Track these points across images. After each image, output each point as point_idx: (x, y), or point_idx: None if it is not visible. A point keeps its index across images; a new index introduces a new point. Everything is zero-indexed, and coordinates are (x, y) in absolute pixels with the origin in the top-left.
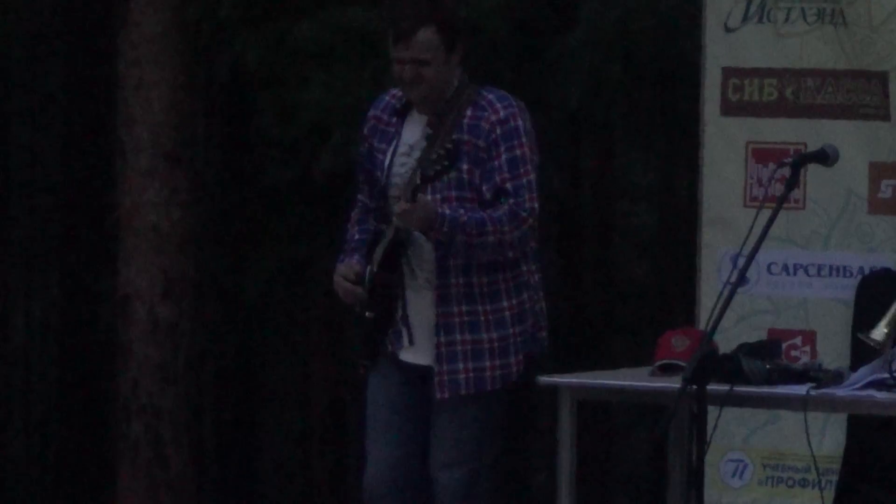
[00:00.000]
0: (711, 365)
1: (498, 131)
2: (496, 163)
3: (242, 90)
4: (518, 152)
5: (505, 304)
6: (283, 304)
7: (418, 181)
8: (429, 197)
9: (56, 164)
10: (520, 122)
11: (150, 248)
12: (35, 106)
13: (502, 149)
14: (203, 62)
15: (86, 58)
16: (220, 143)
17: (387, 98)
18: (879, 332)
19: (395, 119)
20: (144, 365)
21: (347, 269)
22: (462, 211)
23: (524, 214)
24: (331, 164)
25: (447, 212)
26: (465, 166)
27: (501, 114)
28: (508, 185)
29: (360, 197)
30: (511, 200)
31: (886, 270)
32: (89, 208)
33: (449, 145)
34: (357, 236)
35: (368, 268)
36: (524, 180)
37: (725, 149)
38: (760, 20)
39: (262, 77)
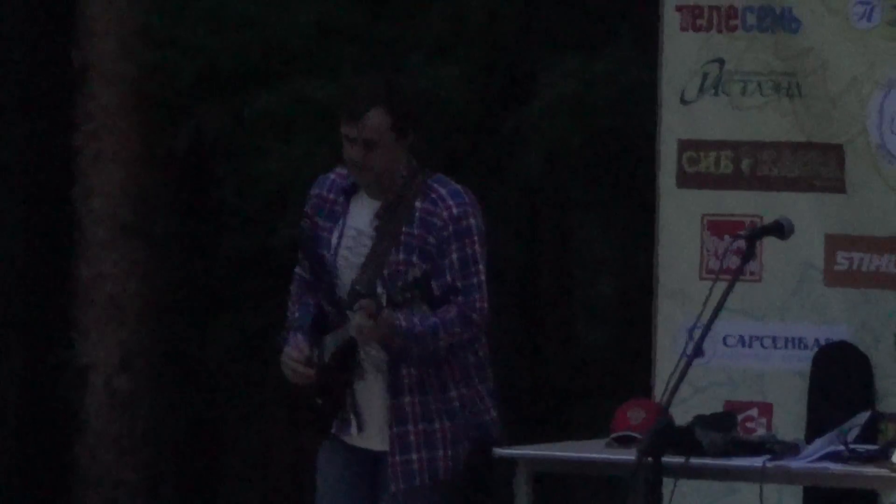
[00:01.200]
0: (667, 437)
1: (451, 229)
2: (447, 261)
3: (202, 160)
4: (469, 251)
5: (453, 393)
6: (243, 373)
7: (384, 304)
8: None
9: (15, 235)
10: (472, 221)
11: (108, 320)
12: None
13: (453, 247)
14: (162, 133)
15: (43, 128)
16: (180, 213)
17: (332, 177)
18: None
19: (341, 198)
20: (102, 436)
21: (297, 351)
22: (416, 320)
23: (475, 316)
24: (289, 235)
25: (403, 324)
26: (414, 260)
27: (455, 211)
28: (459, 284)
29: (298, 271)
30: (461, 300)
31: (842, 343)
32: (48, 279)
33: (418, 274)
34: (297, 314)
35: (317, 353)
36: (475, 280)
37: (681, 221)
38: (716, 93)
39: (222, 147)
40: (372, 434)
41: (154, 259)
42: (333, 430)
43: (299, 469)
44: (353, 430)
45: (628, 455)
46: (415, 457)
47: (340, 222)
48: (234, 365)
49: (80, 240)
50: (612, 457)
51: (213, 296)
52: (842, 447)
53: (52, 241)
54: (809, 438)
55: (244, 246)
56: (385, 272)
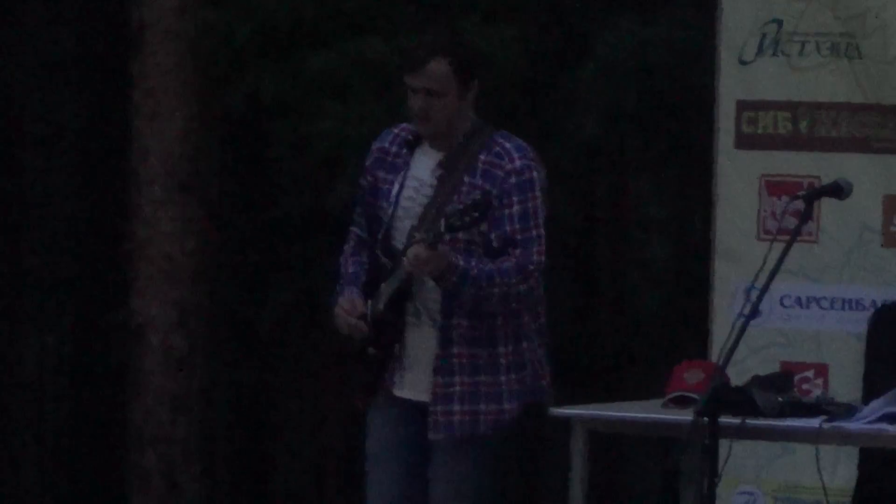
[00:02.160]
0: (724, 397)
1: (513, 180)
2: (507, 212)
3: (258, 121)
4: (530, 205)
5: (501, 349)
6: (298, 334)
7: (442, 230)
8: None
9: (70, 195)
10: (535, 175)
11: (163, 279)
12: (49, 136)
13: (515, 199)
14: (218, 93)
15: (100, 88)
16: (235, 174)
17: (395, 131)
18: None
19: (404, 150)
20: (157, 395)
21: (350, 304)
22: (473, 262)
23: (531, 268)
24: (345, 195)
25: (461, 262)
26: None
27: (518, 164)
28: (518, 237)
29: (354, 229)
30: (518, 252)
31: None
32: (104, 238)
33: (477, 196)
34: (351, 269)
35: (370, 303)
36: (534, 233)
37: (739, 181)
38: (775, 53)
39: (277, 108)
40: (420, 385)
41: (210, 218)
42: (387, 382)
43: (352, 430)
44: (401, 378)
45: (685, 415)
46: (456, 408)
47: (402, 174)
48: (288, 325)
49: (137, 199)
50: (668, 417)
51: (268, 256)
52: None
53: (108, 199)
54: (866, 400)
55: (299, 206)
56: (446, 214)
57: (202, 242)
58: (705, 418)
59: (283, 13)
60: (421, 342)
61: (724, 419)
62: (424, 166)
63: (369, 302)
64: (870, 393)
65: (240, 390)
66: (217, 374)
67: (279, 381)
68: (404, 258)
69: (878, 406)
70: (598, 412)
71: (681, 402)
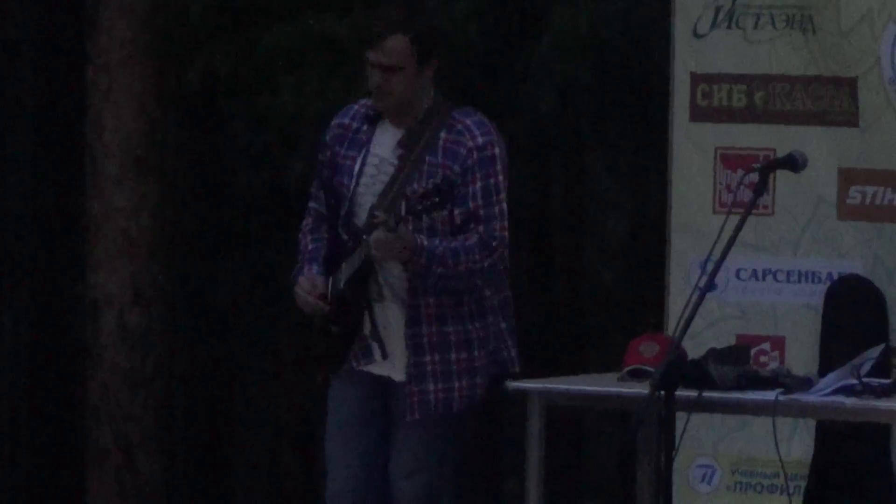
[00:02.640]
0: (680, 371)
1: (475, 156)
2: (470, 189)
3: (213, 97)
4: (492, 181)
5: (470, 326)
6: (255, 311)
7: (402, 213)
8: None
9: (26, 170)
10: (496, 151)
11: (119, 255)
12: (4, 112)
13: (478, 176)
14: (173, 68)
15: (55, 63)
16: (191, 150)
17: (356, 107)
18: None
19: (365, 126)
20: (114, 371)
21: (308, 282)
22: (437, 241)
23: (494, 243)
24: (301, 171)
25: (425, 243)
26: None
27: (479, 140)
28: (481, 212)
29: (312, 205)
30: (481, 228)
31: (855, 276)
32: (59, 214)
33: (439, 181)
34: (311, 246)
35: (331, 280)
36: (496, 209)
37: (694, 155)
38: (729, 26)
39: (233, 84)
40: (391, 362)
41: (165, 195)
42: (351, 360)
43: (310, 405)
44: (377, 356)
45: (641, 389)
46: (431, 387)
47: (364, 150)
48: (245, 302)
49: (92, 174)
50: (624, 390)
51: (224, 232)
52: (855, 381)
53: (64, 175)
54: (822, 372)
55: (256, 183)
56: (407, 197)
57: (158, 219)
58: (661, 391)
59: None
60: (388, 320)
61: (681, 392)
62: (385, 143)
63: (330, 280)
64: (826, 366)
65: (197, 367)
66: (174, 351)
67: (237, 357)
68: (368, 241)
69: (834, 379)
70: (555, 386)
71: (637, 375)
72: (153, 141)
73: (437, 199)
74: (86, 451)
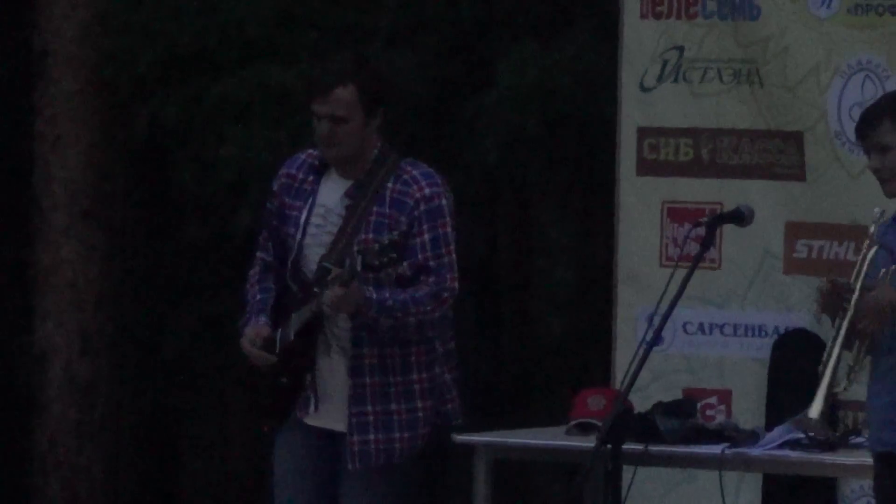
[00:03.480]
0: (627, 424)
1: (422, 209)
2: (418, 240)
3: (161, 147)
4: (441, 231)
5: (415, 377)
6: (202, 360)
7: (358, 268)
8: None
9: None
10: (443, 201)
11: (67, 305)
12: None
13: (425, 227)
14: (121, 119)
15: (3, 114)
16: (139, 200)
17: (302, 157)
18: (815, 409)
19: (311, 177)
20: (61, 422)
21: (255, 333)
22: (387, 294)
23: (445, 295)
24: (249, 221)
25: (374, 296)
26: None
27: (427, 191)
28: (431, 264)
29: (260, 255)
30: (432, 279)
31: (802, 331)
32: (7, 264)
33: (395, 236)
34: (259, 296)
35: (279, 332)
36: (446, 259)
37: (641, 208)
38: (676, 80)
39: (181, 134)
40: (332, 414)
41: (113, 245)
42: (297, 411)
43: (258, 455)
44: (311, 408)
45: (588, 442)
46: (371, 437)
47: (310, 200)
48: (192, 352)
49: (40, 225)
50: (571, 443)
51: (172, 282)
52: (801, 435)
53: (11, 226)
54: (769, 426)
55: (203, 232)
56: (355, 249)
57: (106, 269)
58: (608, 445)
59: (184, 40)
60: (332, 372)
61: (628, 446)
62: (332, 193)
63: (279, 330)
64: (773, 419)
65: (145, 417)
66: (121, 401)
67: (184, 406)
68: (321, 296)
69: (780, 432)
70: (502, 439)
71: (584, 428)
72: (101, 191)
73: (394, 255)
74: (33, 502)
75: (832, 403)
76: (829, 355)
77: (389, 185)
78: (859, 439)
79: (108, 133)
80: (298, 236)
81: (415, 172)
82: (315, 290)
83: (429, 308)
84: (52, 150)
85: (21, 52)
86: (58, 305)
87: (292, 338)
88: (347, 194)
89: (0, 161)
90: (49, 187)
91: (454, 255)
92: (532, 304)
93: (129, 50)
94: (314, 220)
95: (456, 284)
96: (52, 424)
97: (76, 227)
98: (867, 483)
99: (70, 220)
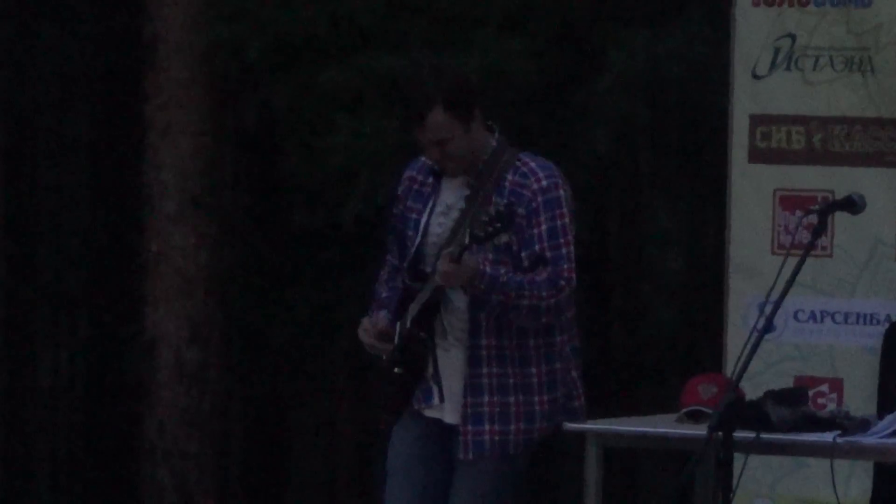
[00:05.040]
0: (738, 412)
1: (539, 199)
2: (536, 231)
3: (270, 134)
4: (559, 222)
5: (534, 370)
6: (312, 349)
7: (467, 241)
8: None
9: (84, 208)
10: (561, 192)
11: (177, 293)
12: (62, 149)
13: (543, 218)
14: (231, 107)
15: (114, 102)
16: (248, 187)
17: (423, 159)
18: None
19: (431, 179)
20: (171, 409)
21: (372, 323)
22: (503, 270)
23: (562, 283)
24: (358, 209)
25: (488, 269)
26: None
27: (544, 182)
28: (548, 254)
29: (388, 257)
30: (550, 269)
31: None
32: (117, 252)
33: (501, 207)
34: (385, 294)
35: (399, 323)
36: (563, 250)
37: (753, 196)
38: (788, 68)
39: (290, 121)
40: (451, 406)
41: (222, 233)
42: (413, 402)
43: (366, 444)
44: (436, 399)
45: (699, 430)
46: (486, 428)
47: (431, 201)
48: (301, 339)
49: (150, 213)
50: (682, 431)
51: (280, 270)
52: None
53: (121, 214)
54: (880, 414)
55: (312, 220)
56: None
57: (215, 257)
58: (719, 433)
59: (295, 28)
60: (450, 364)
61: (739, 434)
62: (452, 192)
63: (398, 324)
64: (884, 407)
65: (253, 405)
66: (231, 389)
67: (293, 395)
68: (432, 273)
69: (892, 420)
70: (612, 427)
71: (695, 416)
72: (211, 179)
73: (499, 225)
74: (142, 490)
75: None
76: None
77: (508, 176)
78: None
79: (218, 121)
80: (417, 238)
81: (533, 164)
82: (430, 270)
83: (544, 293)
84: (162, 138)
85: (131, 40)
86: (167, 293)
87: (409, 324)
88: (467, 185)
89: (110, 149)
90: (159, 175)
91: (572, 247)
92: (643, 292)
93: (238, 37)
94: (435, 219)
95: (574, 275)
96: (161, 411)
97: (186, 214)
98: None
99: (180, 207)
